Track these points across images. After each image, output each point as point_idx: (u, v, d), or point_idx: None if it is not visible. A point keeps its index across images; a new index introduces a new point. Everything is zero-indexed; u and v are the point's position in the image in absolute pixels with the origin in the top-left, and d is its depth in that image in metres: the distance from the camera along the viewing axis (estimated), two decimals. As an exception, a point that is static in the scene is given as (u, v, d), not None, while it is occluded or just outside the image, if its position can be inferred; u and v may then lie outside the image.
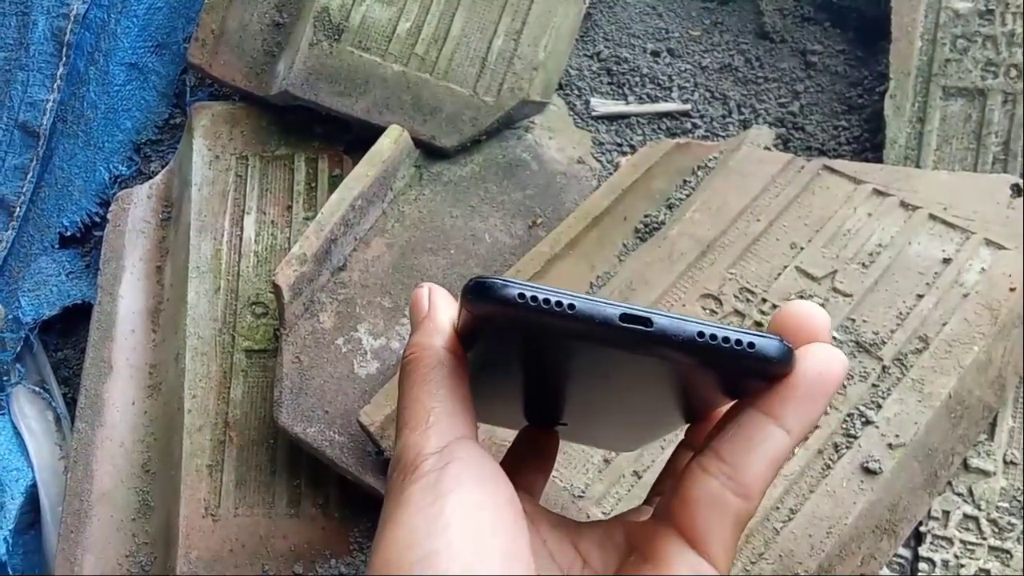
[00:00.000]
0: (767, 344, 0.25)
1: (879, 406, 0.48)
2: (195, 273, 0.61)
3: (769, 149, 0.65)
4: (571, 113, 0.70)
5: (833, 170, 0.57)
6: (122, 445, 0.58)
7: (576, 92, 0.71)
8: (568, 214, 0.60)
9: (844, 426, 0.47)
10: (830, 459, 0.47)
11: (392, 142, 0.60)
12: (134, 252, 0.65)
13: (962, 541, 0.49)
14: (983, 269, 0.51)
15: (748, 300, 0.53)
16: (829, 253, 0.54)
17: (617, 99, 0.71)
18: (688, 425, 0.34)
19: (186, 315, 0.59)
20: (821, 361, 0.26)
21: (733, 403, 0.28)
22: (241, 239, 0.62)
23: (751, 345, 0.25)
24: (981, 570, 0.49)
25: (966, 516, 0.50)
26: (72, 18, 0.69)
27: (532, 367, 0.29)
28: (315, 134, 0.66)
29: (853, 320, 0.51)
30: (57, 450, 0.62)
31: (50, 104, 0.69)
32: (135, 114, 0.72)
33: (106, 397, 0.59)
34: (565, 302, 0.24)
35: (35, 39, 0.69)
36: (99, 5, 0.71)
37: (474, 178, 0.64)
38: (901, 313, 0.50)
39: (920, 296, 0.51)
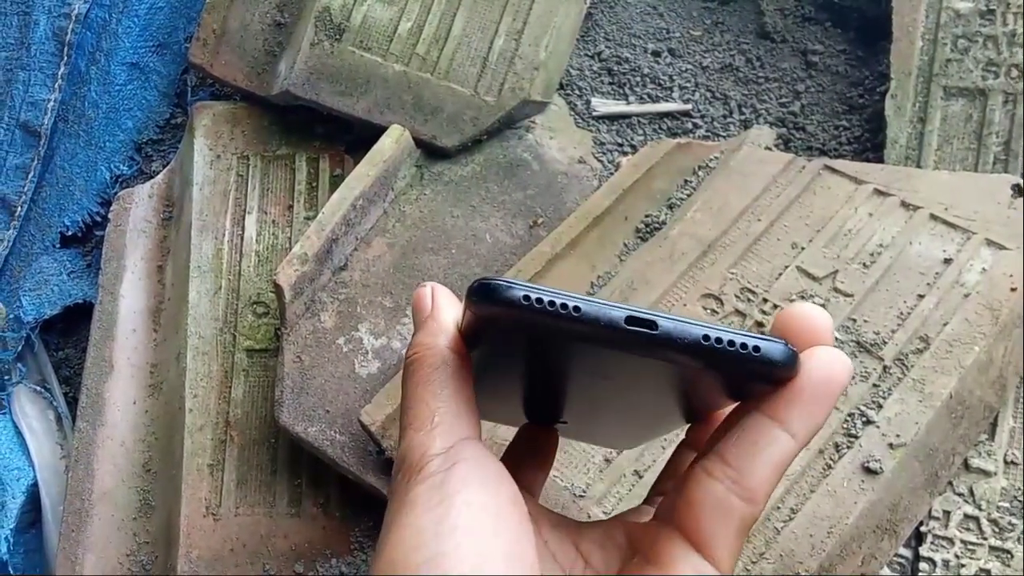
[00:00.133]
0: (772, 348, 0.25)
1: (880, 406, 0.48)
2: (196, 272, 0.61)
3: (770, 149, 0.65)
4: (572, 113, 0.69)
5: (834, 170, 0.57)
6: (123, 444, 0.58)
7: (577, 92, 0.71)
8: (569, 214, 0.60)
9: (845, 426, 0.47)
10: (831, 459, 0.47)
11: (393, 142, 0.60)
12: (135, 251, 0.65)
13: (963, 541, 0.49)
14: (984, 269, 0.51)
15: (749, 300, 0.53)
16: (830, 253, 0.54)
17: (618, 99, 0.71)
18: (689, 425, 0.35)
19: (187, 314, 0.59)
20: (826, 364, 0.26)
21: (736, 406, 0.28)
22: (242, 239, 0.62)
23: (756, 349, 0.24)
24: (982, 570, 0.49)
25: (967, 516, 0.50)
26: (73, 18, 0.69)
27: (534, 367, 0.29)
28: (316, 134, 0.66)
29: (854, 320, 0.51)
30: (58, 449, 0.62)
31: (51, 104, 0.69)
32: (136, 114, 0.72)
33: (107, 396, 0.59)
34: (570, 304, 0.24)
35: (36, 39, 0.69)
36: (100, 5, 0.71)
37: (475, 178, 0.64)
38: (902, 313, 0.50)
39: (921, 296, 0.51)
